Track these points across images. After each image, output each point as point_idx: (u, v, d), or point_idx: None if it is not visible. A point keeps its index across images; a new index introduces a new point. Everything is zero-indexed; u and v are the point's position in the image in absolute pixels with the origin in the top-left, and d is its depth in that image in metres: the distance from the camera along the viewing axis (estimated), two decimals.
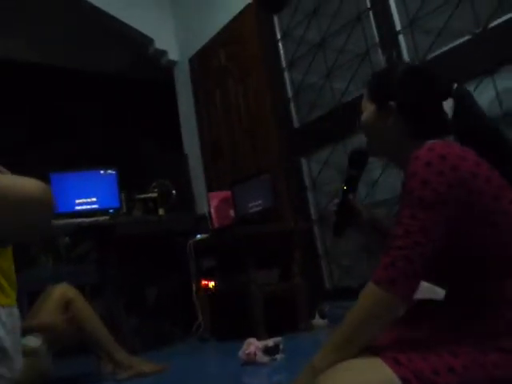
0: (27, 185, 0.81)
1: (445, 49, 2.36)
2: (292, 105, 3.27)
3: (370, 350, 0.87)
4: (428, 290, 1.06)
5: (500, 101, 2.16)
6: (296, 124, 3.24)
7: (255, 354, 1.94)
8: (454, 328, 0.88)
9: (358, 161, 1.11)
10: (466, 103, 1.01)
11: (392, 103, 1.00)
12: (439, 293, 0.99)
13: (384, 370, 0.79)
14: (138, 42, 4.09)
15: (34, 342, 1.78)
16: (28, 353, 1.76)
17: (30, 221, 0.80)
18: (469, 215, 0.85)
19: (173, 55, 4.11)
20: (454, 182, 0.84)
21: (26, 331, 1.78)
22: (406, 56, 2.55)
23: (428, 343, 0.85)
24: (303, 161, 3.18)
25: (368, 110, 1.06)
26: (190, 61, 3.97)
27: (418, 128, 0.99)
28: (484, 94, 2.20)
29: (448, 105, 1.00)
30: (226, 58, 3.61)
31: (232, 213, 3.09)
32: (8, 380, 1.19)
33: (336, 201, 1.13)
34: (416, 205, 0.84)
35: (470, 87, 2.21)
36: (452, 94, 1.00)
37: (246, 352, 1.96)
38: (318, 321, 2.72)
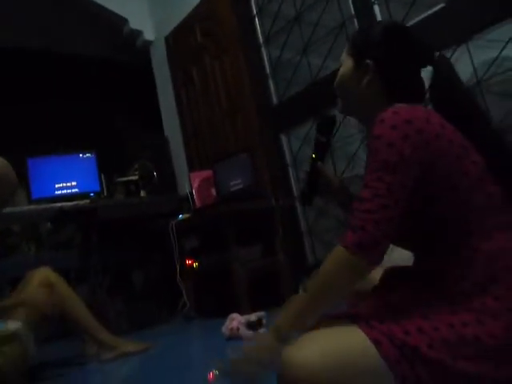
0: None
1: (419, 18, 2.35)
2: (270, 81, 3.24)
3: (345, 315, 0.88)
4: (399, 257, 1.08)
5: (475, 69, 2.17)
6: (275, 100, 3.22)
7: (238, 329, 1.96)
8: (424, 291, 0.89)
9: (326, 127, 1.08)
10: (445, 72, 0.99)
11: (369, 61, 0.98)
12: (408, 259, 1.01)
13: (357, 333, 0.80)
14: (112, 23, 4.00)
15: (13, 325, 1.77)
16: (9, 337, 1.76)
17: None
18: (432, 176, 0.86)
19: (148, 35, 4.04)
20: (419, 145, 0.84)
21: (7, 309, 1.77)
22: None
23: (401, 308, 0.86)
24: (283, 137, 3.17)
25: (346, 65, 1.03)
26: (166, 40, 3.90)
27: (393, 91, 0.97)
28: (459, 63, 2.21)
29: (427, 73, 0.99)
30: (201, 35, 3.55)
31: (214, 192, 3.09)
32: None
33: (305, 169, 1.11)
34: (382, 168, 0.84)
35: (446, 54, 2.21)
36: (432, 62, 0.99)
37: (229, 327, 1.98)
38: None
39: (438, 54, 0.99)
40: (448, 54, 2.21)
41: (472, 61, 2.18)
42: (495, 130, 0.99)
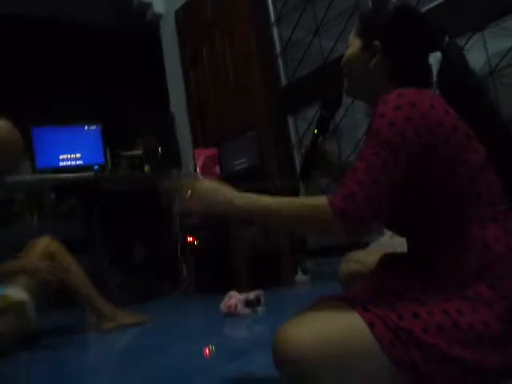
0: None
1: (435, 3, 2.31)
2: (280, 61, 3.20)
3: (342, 299, 0.89)
4: (398, 244, 1.08)
5: (489, 59, 2.13)
6: (284, 81, 3.19)
7: (236, 306, 1.98)
8: (419, 277, 0.89)
9: (331, 103, 1.07)
10: (454, 59, 0.97)
11: (377, 43, 0.96)
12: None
13: (352, 315, 0.81)
14: None
15: (13, 290, 1.79)
16: (13, 304, 1.78)
17: None
18: (432, 163, 0.85)
19: (158, 8, 3.98)
20: (422, 129, 0.83)
21: (8, 274, 1.79)
22: None
23: (397, 293, 0.87)
24: (290, 119, 3.15)
25: (353, 45, 1.01)
26: (176, 13, 3.84)
27: (399, 74, 0.96)
28: (472, 51, 2.18)
29: (436, 58, 0.97)
30: (212, 10, 3.50)
31: (218, 170, 3.09)
32: None
33: (306, 143, 1.10)
34: (380, 144, 0.83)
35: (460, 42, 2.18)
36: (441, 47, 0.97)
37: (227, 304, 2.00)
38: (300, 277, 2.77)
39: (447, 39, 0.98)
40: (462, 42, 2.18)
41: (486, 50, 2.15)
42: (502, 119, 0.97)
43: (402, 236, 1.01)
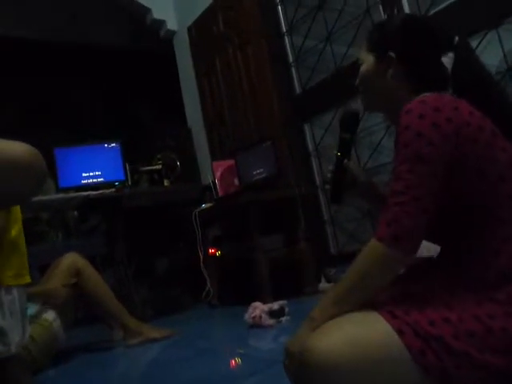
0: (17, 148, 0.80)
1: (448, 2, 2.29)
2: (293, 70, 3.22)
3: (369, 305, 0.88)
4: (425, 248, 1.07)
5: (505, 56, 2.10)
6: (298, 89, 3.20)
7: (260, 317, 1.97)
8: (448, 282, 0.88)
9: (349, 123, 1.06)
10: (466, 57, 0.98)
11: (392, 54, 0.97)
12: (434, 249, 0.99)
13: (380, 322, 0.80)
14: (135, 13, 4.02)
15: (49, 314, 1.83)
16: (49, 327, 1.82)
17: (17, 185, 0.79)
18: (462, 165, 0.84)
19: (171, 25, 4.05)
20: (449, 133, 0.83)
21: (33, 296, 1.83)
22: (407, 9, 2.48)
23: (425, 298, 0.86)
24: (306, 126, 3.15)
25: (367, 61, 1.02)
26: (189, 29, 3.90)
27: (419, 81, 0.96)
28: (489, 49, 2.15)
29: (448, 59, 0.97)
30: (224, 24, 3.54)
31: (236, 181, 3.10)
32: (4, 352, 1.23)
33: (331, 167, 1.07)
34: (412, 158, 0.82)
35: (474, 42, 2.16)
36: (452, 48, 0.97)
37: (252, 315, 2.00)
38: (323, 285, 2.75)
39: (457, 38, 0.98)
40: (477, 40, 2.15)
41: (502, 47, 2.12)
42: None
43: (430, 240, 0.99)
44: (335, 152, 1.07)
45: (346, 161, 1.06)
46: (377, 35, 1.03)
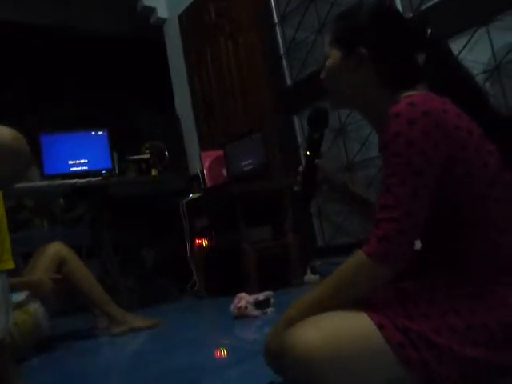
0: (0, 132, 0.78)
1: (436, 0, 2.29)
2: (284, 61, 3.20)
3: (355, 303, 0.88)
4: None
5: (494, 53, 2.12)
6: (288, 81, 3.19)
7: (246, 308, 1.98)
8: (432, 279, 0.89)
9: (318, 121, 1.01)
10: (439, 53, 0.93)
11: (363, 49, 0.91)
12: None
13: (361, 317, 0.81)
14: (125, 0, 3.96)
15: (23, 296, 1.81)
16: (32, 315, 1.81)
17: (1, 169, 0.77)
18: (453, 170, 0.83)
19: (162, 12, 4.00)
20: (439, 139, 0.80)
21: (11, 288, 1.80)
22: (399, 5, 2.48)
23: (410, 293, 0.87)
24: (296, 118, 3.15)
25: (333, 57, 0.96)
26: (180, 18, 3.86)
27: (392, 76, 0.92)
28: (478, 46, 2.16)
29: (420, 53, 0.93)
30: (216, 13, 3.51)
31: (225, 172, 3.09)
32: None
33: (301, 168, 1.03)
34: (404, 170, 0.79)
35: (463, 39, 2.17)
36: (425, 41, 0.93)
37: (237, 306, 2.00)
38: (309, 277, 2.77)
39: (429, 30, 0.93)
40: (467, 37, 2.16)
41: (492, 44, 2.13)
42: (501, 115, 0.93)
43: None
44: (305, 152, 1.03)
45: (316, 161, 1.02)
46: (343, 27, 0.96)
